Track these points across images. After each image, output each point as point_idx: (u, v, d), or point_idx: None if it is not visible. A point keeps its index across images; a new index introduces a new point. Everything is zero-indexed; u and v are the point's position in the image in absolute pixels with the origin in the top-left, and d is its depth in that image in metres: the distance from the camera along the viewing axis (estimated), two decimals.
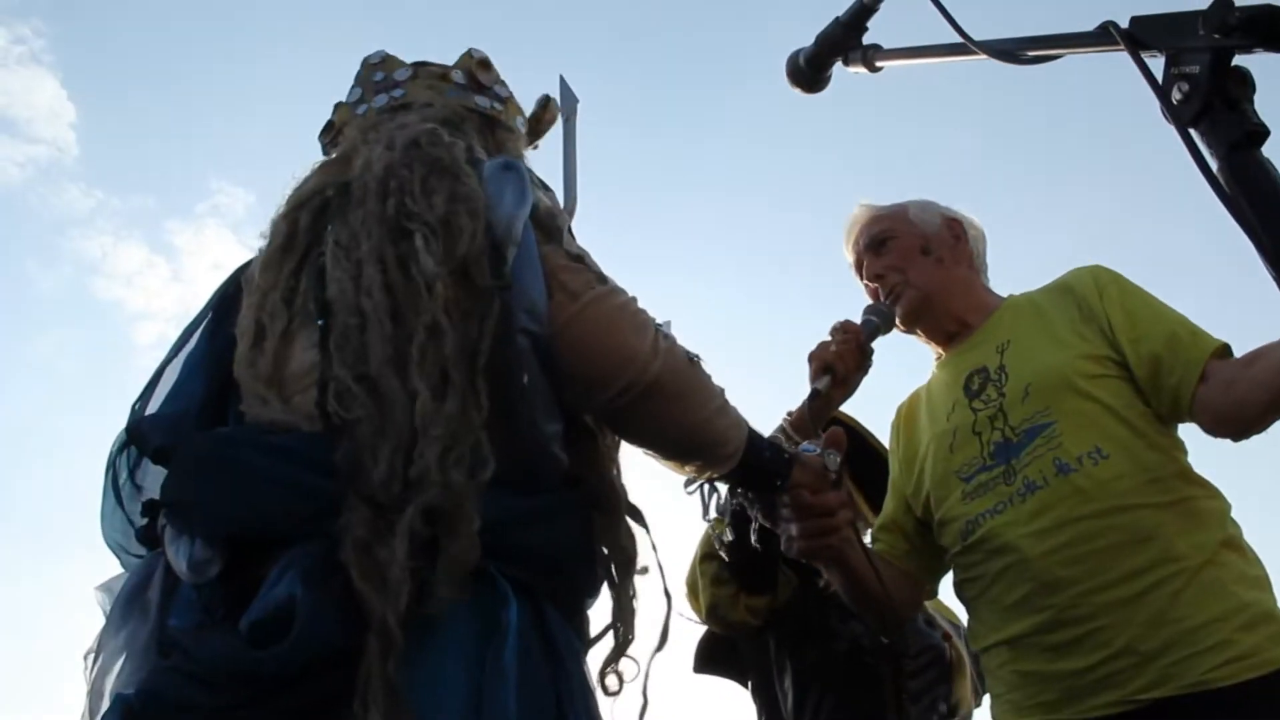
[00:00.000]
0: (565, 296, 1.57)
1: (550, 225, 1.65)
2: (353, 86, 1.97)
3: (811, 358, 2.30)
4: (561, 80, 2.23)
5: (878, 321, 2.34)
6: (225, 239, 8.31)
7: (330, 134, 1.97)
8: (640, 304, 1.66)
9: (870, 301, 2.41)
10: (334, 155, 1.84)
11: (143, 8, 7.93)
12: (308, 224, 1.65)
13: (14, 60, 8.21)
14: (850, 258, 2.51)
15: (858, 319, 2.36)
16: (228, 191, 8.48)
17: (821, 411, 2.27)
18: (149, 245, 8.61)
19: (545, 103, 2.05)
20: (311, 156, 1.99)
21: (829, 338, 2.33)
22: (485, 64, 1.96)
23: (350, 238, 1.57)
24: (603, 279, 1.63)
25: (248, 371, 1.55)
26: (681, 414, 1.64)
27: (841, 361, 2.27)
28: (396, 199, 1.58)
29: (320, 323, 1.52)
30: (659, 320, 1.66)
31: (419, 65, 1.95)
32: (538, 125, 2.04)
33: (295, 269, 1.61)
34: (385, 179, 1.61)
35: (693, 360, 1.67)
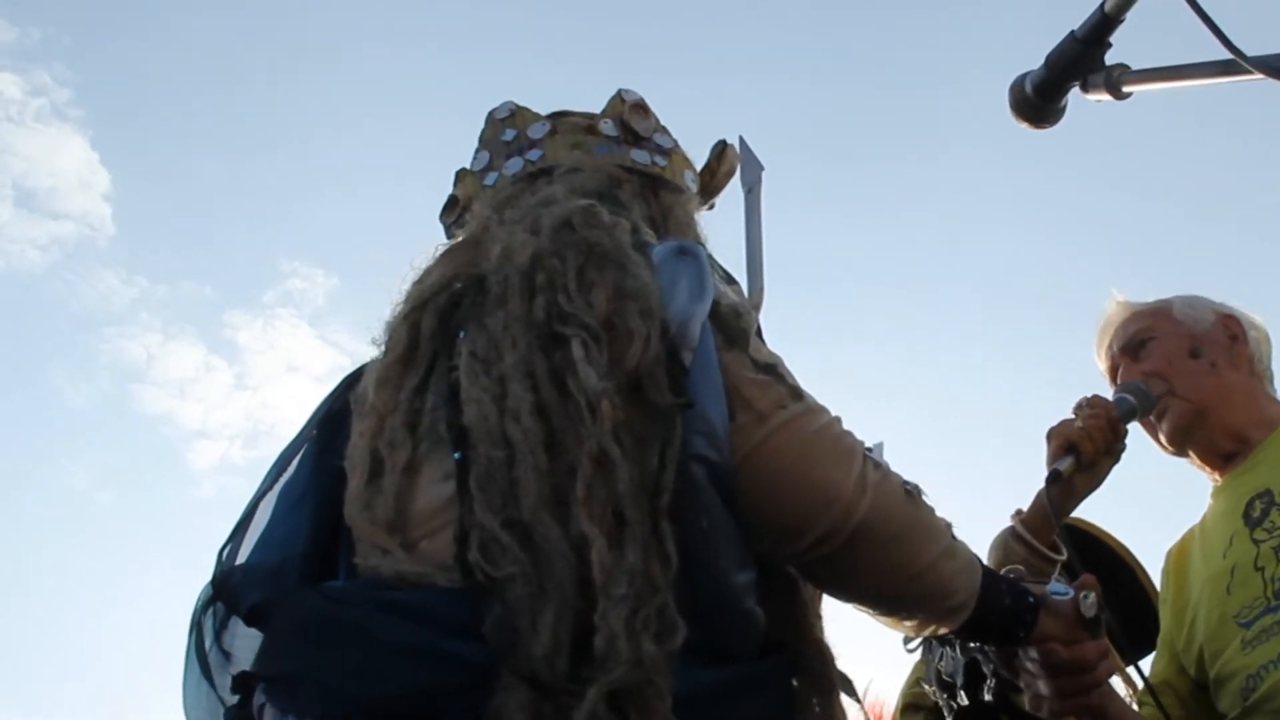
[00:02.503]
0: (750, 418, 1.42)
1: (734, 327, 1.49)
2: (477, 150, 1.83)
3: (1051, 435, 2.12)
4: (742, 143, 2.07)
5: (1134, 402, 2.16)
6: (301, 334, 7.36)
7: (454, 212, 1.83)
8: (844, 424, 1.49)
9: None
10: (460, 238, 1.70)
11: (192, 47, 6.90)
12: (433, 329, 1.51)
13: (32, 116, 7.11)
14: (1103, 364, 2.36)
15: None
16: (303, 274, 7.53)
17: (1063, 501, 2.08)
18: (205, 344, 7.59)
19: (721, 150, 1.89)
20: (415, 231, 1.86)
21: (1071, 415, 2.15)
22: (641, 108, 1.80)
23: (489, 347, 1.42)
24: (798, 394, 1.46)
25: (362, 515, 1.42)
26: (898, 562, 1.48)
27: (1089, 441, 2.08)
28: (546, 296, 1.43)
29: (457, 456, 1.38)
30: (868, 444, 1.50)
31: (557, 117, 1.81)
32: (712, 179, 1.88)
33: (419, 386, 1.47)
34: (531, 271, 1.46)
35: (910, 492, 1.50)
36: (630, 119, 1.78)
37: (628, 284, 1.43)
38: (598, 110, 1.81)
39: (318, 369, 7.26)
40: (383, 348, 1.55)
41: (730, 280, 1.62)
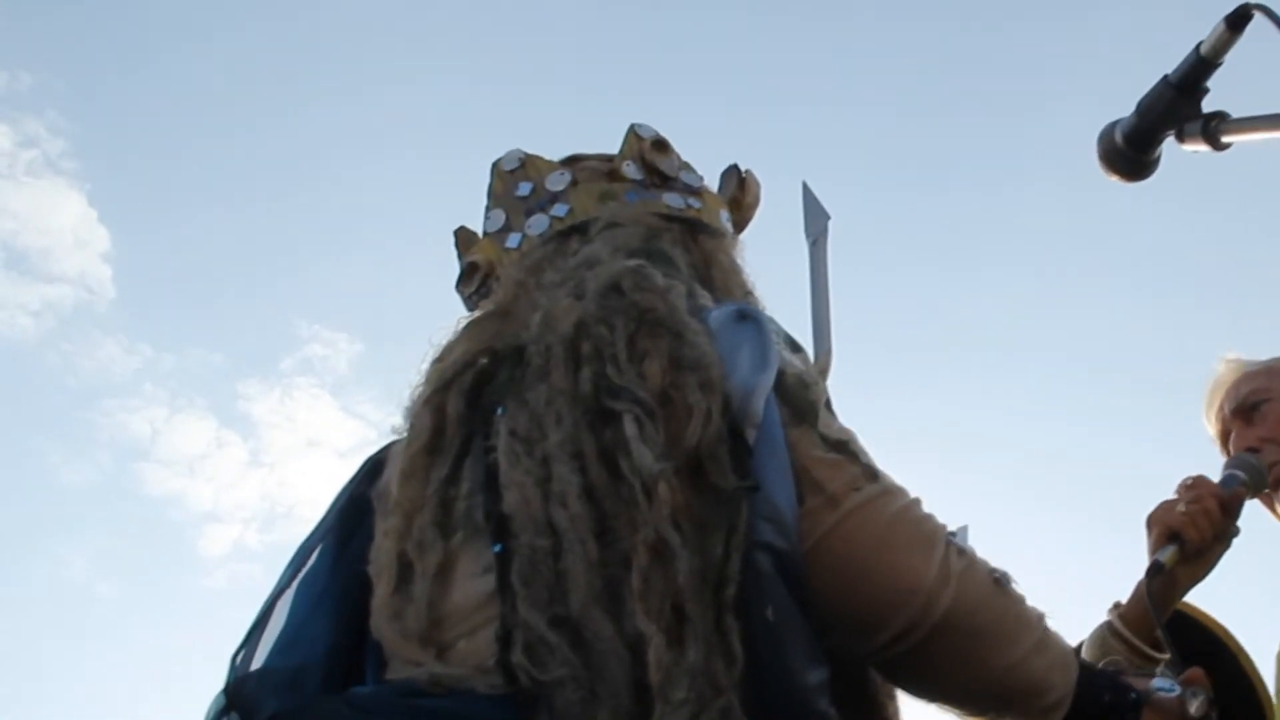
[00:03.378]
0: (821, 501, 1.33)
1: (802, 400, 1.39)
2: (489, 208, 1.68)
3: (1151, 521, 1.99)
4: (806, 190, 1.98)
5: (1244, 478, 2.03)
6: (322, 405, 6.84)
7: (473, 280, 1.68)
8: (925, 506, 1.40)
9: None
10: (485, 309, 1.58)
11: (197, 94, 6.41)
12: (460, 411, 1.43)
13: (23, 170, 6.57)
14: (1213, 429, 2.25)
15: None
16: (324, 339, 6.92)
17: (1165, 596, 1.95)
18: (216, 417, 6.92)
19: (740, 179, 1.75)
20: (450, 291, 1.71)
21: (1173, 496, 2.02)
22: (661, 145, 1.67)
23: (531, 424, 1.34)
24: (873, 474, 1.37)
25: (391, 627, 1.35)
26: (984, 658, 1.38)
27: (1194, 528, 1.94)
28: (594, 368, 1.34)
29: (497, 548, 1.30)
30: (951, 527, 1.42)
31: (573, 162, 1.68)
32: (738, 209, 1.75)
33: (449, 476, 1.40)
34: (575, 340, 1.37)
35: (999, 581, 1.40)
36: (652, 158, 1.65)
37: (685, 354, 1.34)
38: (615, 151, 1.68)
39: (340, 444, 6.72)
40: (406, 437, 1.46)
41: (796, 347, 1.52)
